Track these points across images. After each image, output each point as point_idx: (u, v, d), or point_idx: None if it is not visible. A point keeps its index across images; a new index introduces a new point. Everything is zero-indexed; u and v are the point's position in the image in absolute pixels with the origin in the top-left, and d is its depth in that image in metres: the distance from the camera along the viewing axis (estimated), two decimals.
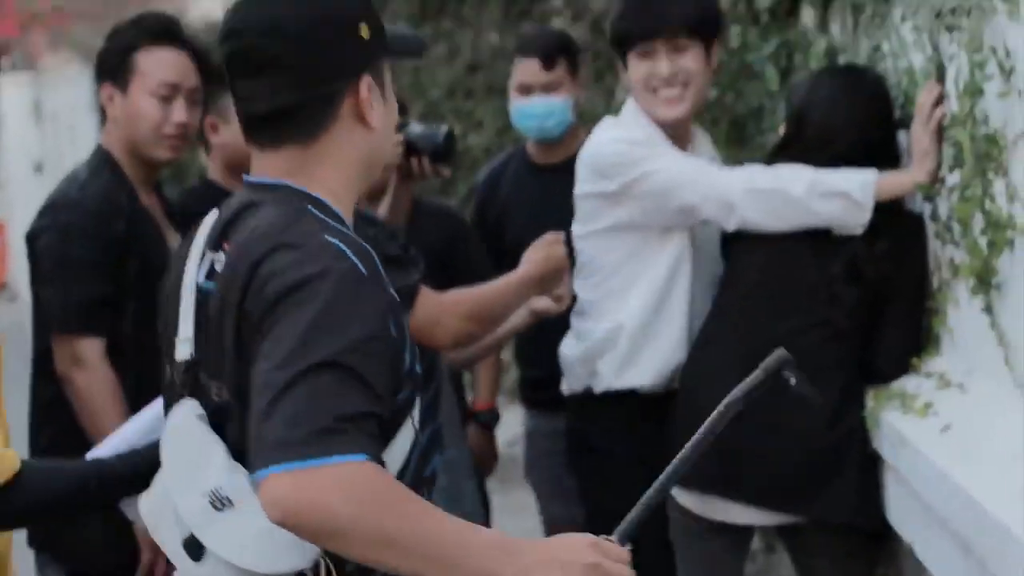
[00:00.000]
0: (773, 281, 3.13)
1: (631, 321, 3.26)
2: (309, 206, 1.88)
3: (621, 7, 3.40)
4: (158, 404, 2.18)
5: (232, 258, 1.87)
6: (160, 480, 1.94)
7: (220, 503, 1.81)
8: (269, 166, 1.94)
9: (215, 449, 1.85)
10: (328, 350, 1.70)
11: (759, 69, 4.38)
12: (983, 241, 2.61)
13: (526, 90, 3.90)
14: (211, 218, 1.99)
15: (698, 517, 3.17)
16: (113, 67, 3.20)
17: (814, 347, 3.00)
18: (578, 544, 1.79)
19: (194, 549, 1.83)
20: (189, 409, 1.89)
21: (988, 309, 2.65)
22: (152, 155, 3.24)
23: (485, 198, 4.17)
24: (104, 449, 2.29)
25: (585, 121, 4.19)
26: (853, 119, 3.14)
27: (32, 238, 3.15)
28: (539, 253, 3.05)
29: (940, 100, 2.87)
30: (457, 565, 1.70)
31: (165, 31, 3.25)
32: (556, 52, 3.93)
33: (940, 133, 2.89)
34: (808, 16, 4.03)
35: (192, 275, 1.95)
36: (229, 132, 3.68)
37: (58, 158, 18.12)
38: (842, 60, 3.60)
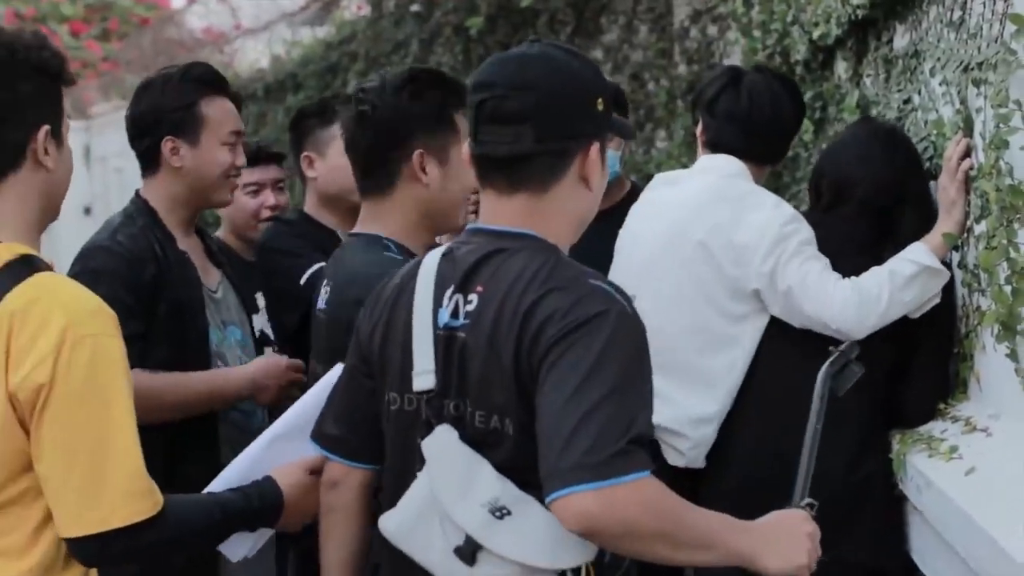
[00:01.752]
0: (795, 329, 3.20)
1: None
2: (559, 254, 2.15)
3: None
4: (260, 440, 2.50)
5: (490, 300, 2.11)
6: (413, 498, 2.15)
7: (499, 512, 2.05)
8: (502, 211, 2.20)
9: (483, 466, 2.09)
10: (613, 381, 1.97)
11: None
12: (1008, 289, 2.66)
13: None
14: (435, 263, 2.22)
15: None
16: (178, 121, 3.24)
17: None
18: (796, 517, 2.18)
19: (467, 555, 2.06)
20: (448, 433, 2.13)
21: (1013, 355, 2.69)
22: (218, 199, 3.37)
23: None
24: (217, 484, 2.43)
25: (627, 171, 4.25)
26: (868, 170, 3.24)
27: None
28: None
29: (968, 152, 2.94)
30: (720, 549, 2.03)
31: (220, 81, 3.35)
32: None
33: (968, 184, 2.97)
34: (841, 68, 4.11)
35: (427, 314, 2.18)
36: (324, 166, 3.90)
37: (106, 201, 18.44)
38: (874, 112, 3.68)
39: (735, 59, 6.00)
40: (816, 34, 4.04)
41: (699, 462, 3.33)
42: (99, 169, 19.10)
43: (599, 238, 3.73)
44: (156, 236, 3.22)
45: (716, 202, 3.27)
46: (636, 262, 3.42)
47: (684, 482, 3.23)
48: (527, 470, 2.04)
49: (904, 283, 3.06)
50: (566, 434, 1.94)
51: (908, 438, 3.07)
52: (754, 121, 3.40)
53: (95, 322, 2.11)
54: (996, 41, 2.72)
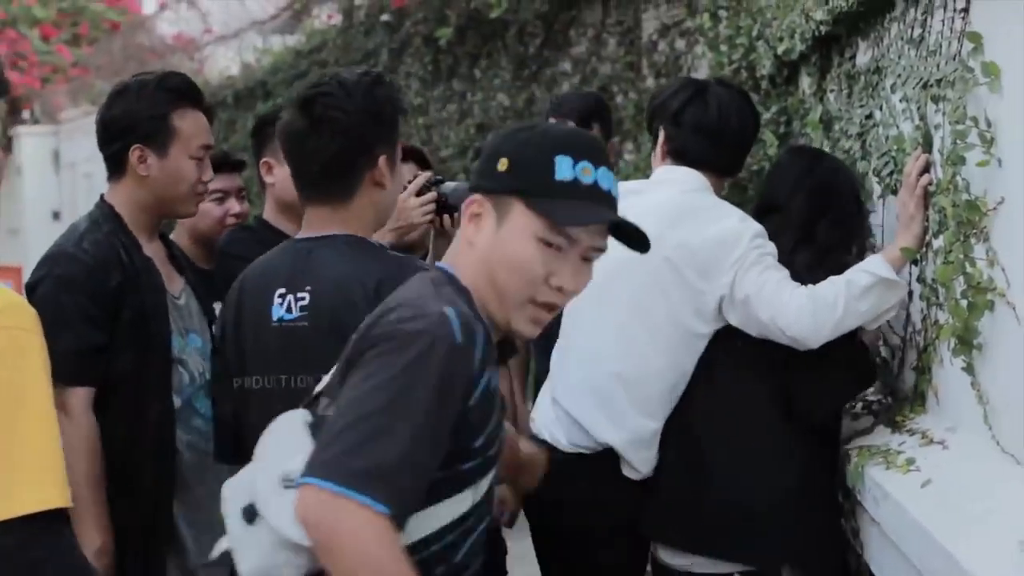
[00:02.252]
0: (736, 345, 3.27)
1: None
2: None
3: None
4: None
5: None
6: (249, 466, 2.18)
7: (289, 483, 2.05)
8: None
9: (304, 445, 2.09)
10: (405, 405, 1.98)
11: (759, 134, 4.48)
12: (964, 303, 2.69)
13: None
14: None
15: (671, 569, 3.33)
16: (149, 130, 3.23)
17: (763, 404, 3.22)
18: None
19: (249, 516, 2.10)
20: (299, 414, 2.18)
21: (969, 369, 2.72)
22: (182, 212, 3.38)
23: None
24: None
25: None
26: (797, 200, 3.35)
27: (30, 289, 3.17)
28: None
29: (927, 168, 2.98)
30: None
31: (195, 94, 3.33)
32: (591, 116, 3.97)
33: (927, 199, 3.00)
34: (806, 84, 4.15)
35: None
36: (283, 172, 3.85)
37: (74, 206, 18.35)
38: (837, 127, 3.72)
39: (703, 73, 6.04)
40: (781, 49, 4.08)
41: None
42: (68, 174, 19.02)
43: None
44: (121, 241, 3.21)
45: (682, 217, 3.28)
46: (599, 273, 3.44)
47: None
48: None
49: (860, 293, 3.09)
50: (336, 429, 1.99)
51: (866, 450, 3.10)
52: (723, 132, 3.41)
53: (8, 315, 2.07)
54: (954, 59, 2.75)
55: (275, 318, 2.72)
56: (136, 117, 3.25)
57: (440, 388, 2.01)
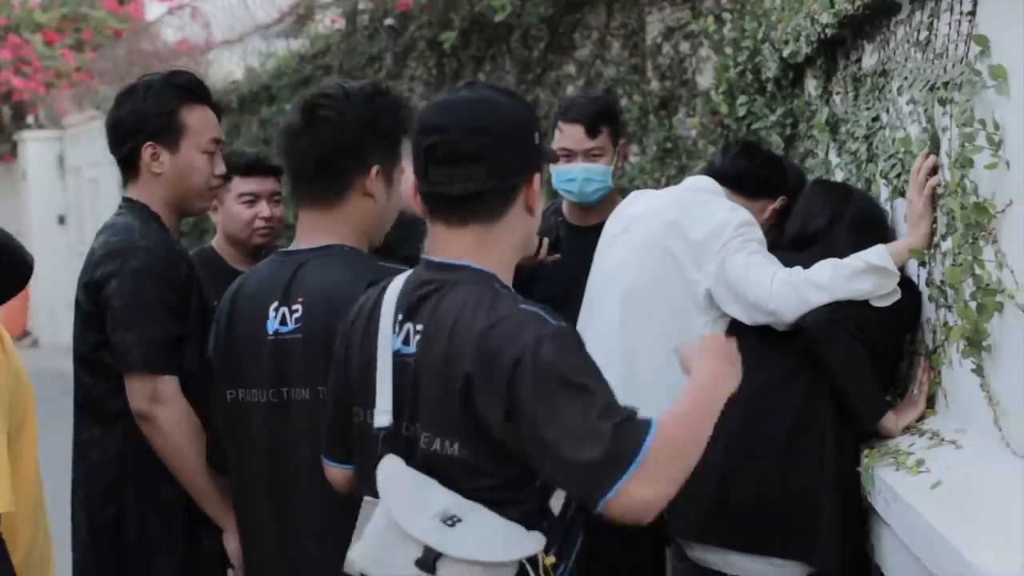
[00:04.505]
0: (754, 337, 3.26)
1: None
2: (496, 284, 2.30)
3: None
4: None
5: (434, 330, 2.27)
6: (374, 528, 2.27)
7: (450, 520, 2.20)
8: (453, 242, 2.34)
9: (431, 485, 2.23)
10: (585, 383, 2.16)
11: (765, 136, 4.50)
12: (973, 305, 2.70)
13: (569, 156, 3.93)
14: (396, 291, 2.36)
15: (697, 567, 3.32)
16: (159, 127, 3.25)
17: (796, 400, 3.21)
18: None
19: (429, 564, 2.19)
20: (394, 462, 2.28)
21: (978, 370, 2.73)
22: (198, 207, 3.40)
23: None
24: None
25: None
26: (837, 230, 3.40)
27: (98, 285, 3.14)
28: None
29: (935, 170, 2.99)
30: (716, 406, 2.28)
31: (201, 90, 3.35)
32: (600, 119, 3.96)
33: (935, 200, 3.02)
34: (811, 86, 4.15)
35: (387, 344, 2.34)
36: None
37: (80, 211, 18.40)
38: (843, 130, 3.73)
39: (707, 76, 6.05)
40: (786, 52, 4.09)
41: None
42: (73, 179, 19.07)
43: (588, 251, 3.78)
44: (169, 238, 3.25)
45: (673, 206, 3.47)
46: (606, 270, 3.53)
47: None
48: (473, 487, 2.21)
49: (849, 275, 3.15)
50: (578, 441, 2.10)
51: (876, 451, 3.11)
52: (737, 150, 3.65)
53: None
54: (961, 61, 2.76)
55: (271, 331, 2.72)
56: (145, 115, 3.25)
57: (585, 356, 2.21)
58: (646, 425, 2.13)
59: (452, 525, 2.18)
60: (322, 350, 2.61)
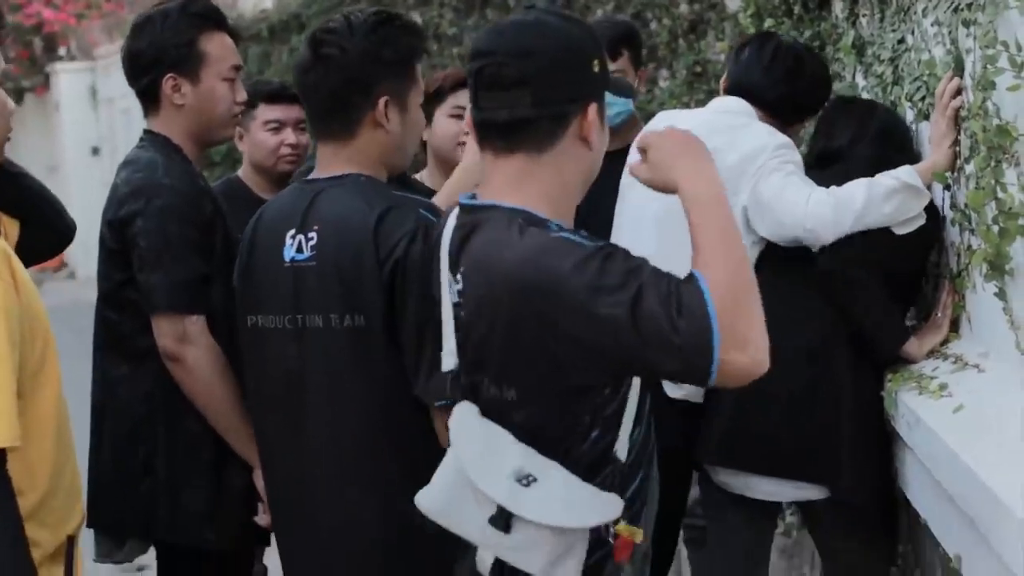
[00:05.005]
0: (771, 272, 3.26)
1: None
2: (520, 219, 2.15)
3: None
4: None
5: (469, 280, 2.19)
6: (444, 475, 2.23)
7: (525, 480, 2.11)
8: (497, 173, 2.24)
9: (503, 437, 2.15)
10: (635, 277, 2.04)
11: None
12: (995, 229, 2.69)
13: None
14: (449, 232, 2.29)
15: (721, 489, 3.36)
16: (178, 57, 3.20)
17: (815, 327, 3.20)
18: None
19: (501, 523, 2.12)
20: (468, 409, 2.21)
21: (1001, 294, 2.72)
22: (221, 136, 3.37)
23: None
24: None
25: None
26: (860, 147, 3.35)
27: (123, 223, 3.12)
28: None
29: (959, 92, 2.97)
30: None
31: (218, 16, 3.31)
32: (620, 43, 3.93)
33: (958, 121, 3.00)
34: (838, 8, 4.11)
35: (447, 289, 2.28)
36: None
37: (113, 141, 18.47)
38: (869, 52, 3.69)
39: None
40: None
41: (697, 396, 3.38)
42: (106, 110, 19.13)
43: (611, 178, 3.76)
44: (191, 171, 3.22)
45: (709, 134, 3.29)
46: (637, 195, 3.49)
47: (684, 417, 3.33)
48: (542, 435, 2.14)
49: (883, 193, 3.11)
50: (665, 326, 1.99)
51: (899, 375, 3.11)
52: (774, 67, 3.49)
53: None
54: None
55: (287, 259, 2.74)
56: (163, 46, 3.21)
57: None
58: (699, 295, 2.01)
59: (527, 485, 2.11)
60: (334, 278, 2.65)
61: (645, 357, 2.04)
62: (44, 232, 3.18)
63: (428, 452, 2.41)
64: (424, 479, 2.28)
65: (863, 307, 3.17)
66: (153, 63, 3.22)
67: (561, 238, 2.11)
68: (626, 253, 2.08)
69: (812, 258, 3.24)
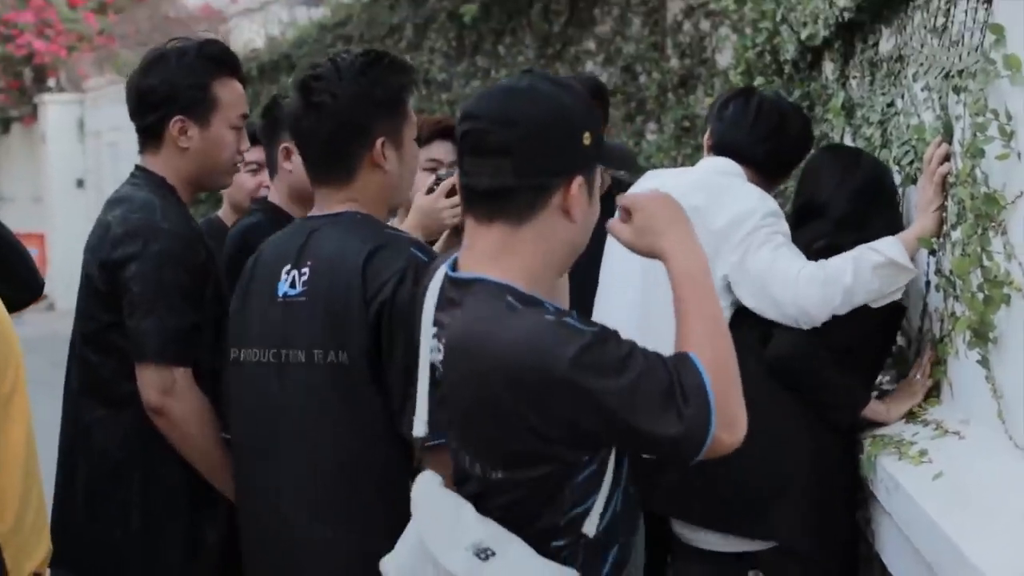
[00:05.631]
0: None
1: None
2: (508, 296, 2.10)
3: None
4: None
5: (452, 355, 2.14)
6: (407, 543, 2.20)
7: (483, 554, 2.08)
8: (478, 242, 2.19)
9: (465, 509, 2.13)
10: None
11: None
12: (981, 296, 2.69)
13: None
14: (438, 285, 2.24)
15: (684, 544, 3.37)
16: (190, 100, 3.14)
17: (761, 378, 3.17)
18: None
19: None
20: (431, 479, 2.21)
21: (984, 362, 2.72)
22: (220, 183, 3.32)
23: None
24: None
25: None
26: (846, 198, 3.31)
27: (116, 266, 3.03)
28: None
29: (947, 157, 2.97)
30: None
31: (233, 62, 3.25)
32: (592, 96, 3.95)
33: (945, 187, 3.00)
34: (829, 69, 4.13)
35: (427, 346, 2.24)
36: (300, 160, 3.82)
37: (99, 174, 18.44)
38: (859, 115, 3.70)
39: (727, 55, 6.02)
40: (804, 34, 4.06)
41: None
42: (92, 143, 19.11)
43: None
44: (187, 215, 3.16)
45: (695, 191, 3.28)
46: (618, 258, 3.47)
47: None
48: (520, 510, 2.11)
49: (870, 270, 3.09)
50: (669, 412, 2.00)
51: (879, 440, 3.10)
52: (758, 125, 3.47)
53: None
54: (976, 50, 2.74)
55: (280, 294, 2.74)
56: (176, 86, 3.13)
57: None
58: (699, 378, 2.02)
59: (485, 559, 2.07)
60: (322, 313, 2.64)
61: (640, 439, 2.03)
62: (11, 285, 3.12)
63: (405, 492, 2.37)
64: (401, 519, 2.26)
65: (809, 389, 3.17)
66: (163, 101, 3.15)
67: (555, 321, 2.05)
68: (618, 337, 2.06)
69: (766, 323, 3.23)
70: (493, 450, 2.12)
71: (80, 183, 19.57)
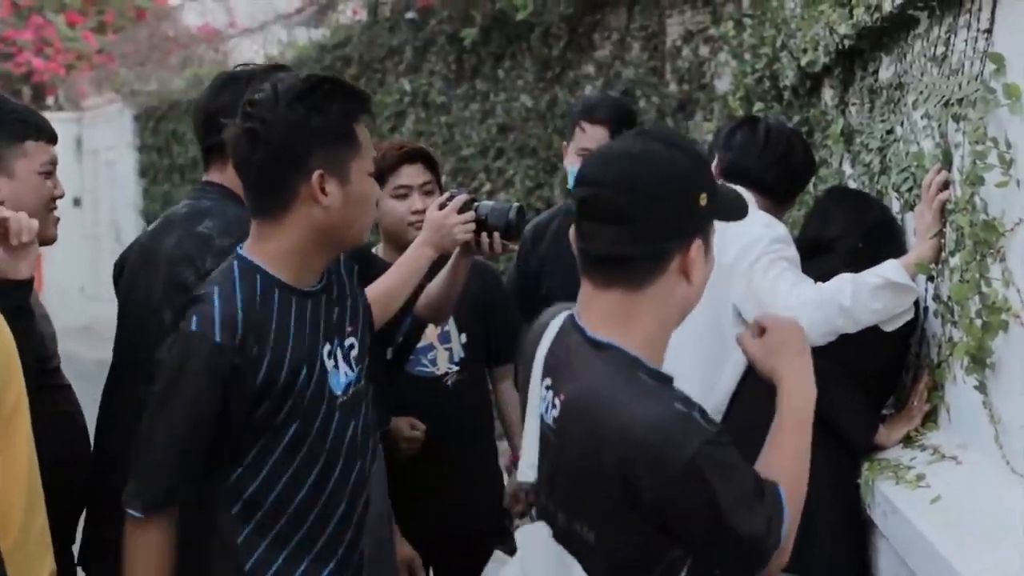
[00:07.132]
0: None
1: None
2: (640, 373, 2.06)
3: None
4: None
5: (570, 413, 2.09)
6: None
7: None
8: (596, 305, 2.14)
9: (573, 567, 2.09)
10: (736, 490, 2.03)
11: None
12: (979, 322, 2.71)
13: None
14: (550, 339, 2.24)
15: None
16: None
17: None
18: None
19: None
20: (543, 529, 2.16)
21: (981, 387, 2.74)
22: None
23: (528, 250, 4.29)
24: None
25: None
26: (858, 236, 3.36)
27: (185, 286, 2.91)
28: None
29: (946, 185, 3.00)
30: None
31: None
32: (624, 124, 3.92)
33: (944, 214, 3.02)
34: (828, 96, 4.15)
35: (536, 401, 2.23)
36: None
37: (96, 193, 18.45)
38: (858, 141, 3.73)
39: (726, 81, 6.06)
40: (804, 61, 4.09)
41: None
42: (90, 161, 19.12)
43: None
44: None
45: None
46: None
47: None
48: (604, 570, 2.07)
49: (870, 292, 3.10)
50: (758, 536, 2.04)
51: (876, 464, 3.11)
52: (768, 150, 3.53)
53: None
54: (976, 78, 2.76)
55: None
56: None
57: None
58: (781, 510, 2.07)
59: None
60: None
61: (714, 550, 2.06)
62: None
63: None
64: None
65: (830, 402, 3.17)
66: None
67: (684, 414, 2.01)
68: (731, 444, 2.04)
69: None
70: (591, 514, 2.08)
71: (77, 202, 19.57)
